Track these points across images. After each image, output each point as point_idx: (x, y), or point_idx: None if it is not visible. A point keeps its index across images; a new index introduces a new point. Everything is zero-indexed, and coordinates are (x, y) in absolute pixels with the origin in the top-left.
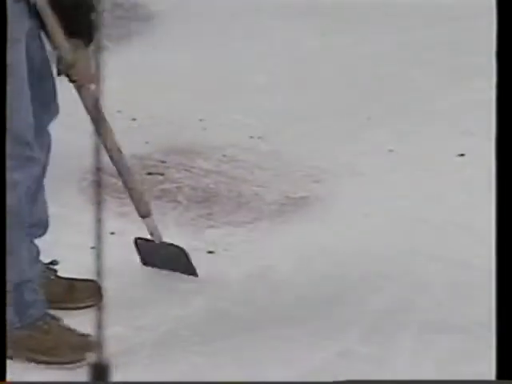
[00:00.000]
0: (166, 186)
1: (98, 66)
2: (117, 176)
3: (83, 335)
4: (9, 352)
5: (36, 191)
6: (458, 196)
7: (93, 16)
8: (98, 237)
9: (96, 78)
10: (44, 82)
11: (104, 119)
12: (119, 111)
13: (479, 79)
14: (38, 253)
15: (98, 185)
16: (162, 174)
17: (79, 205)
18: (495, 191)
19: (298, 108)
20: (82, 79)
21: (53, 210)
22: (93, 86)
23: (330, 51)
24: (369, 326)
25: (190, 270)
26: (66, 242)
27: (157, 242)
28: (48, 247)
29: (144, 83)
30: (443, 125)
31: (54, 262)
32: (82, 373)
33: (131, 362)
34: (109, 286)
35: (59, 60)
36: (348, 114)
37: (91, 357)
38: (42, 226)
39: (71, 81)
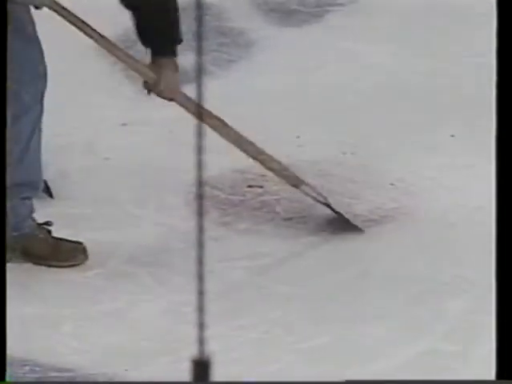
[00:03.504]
0: (265, 197)
1: (199, 88)
2: (219, 188)
3: (76, 242)
4: (8, 256)
5: (22, 151)
6: None
7: (169, 21)
8: (200, 244)
9: (180, 92)
10: (32, 44)
11: (210, 114)
12: None
13: None
14: (32, 211)
15: (201, 197)
16: (261, 187)
17: (185, 215)
18: (495, 194)
19: (385, 125)
20: (169, 95)
21: (161, 219)
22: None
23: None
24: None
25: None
26: (172, 248)
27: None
28: (156, 252)
29: (243, 104)
30: None
31: (48, 223)
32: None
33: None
34: (210, 289)
35: (144, 82)
36: (431, 129)
37: (84, 259)
38: (30, 187)
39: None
